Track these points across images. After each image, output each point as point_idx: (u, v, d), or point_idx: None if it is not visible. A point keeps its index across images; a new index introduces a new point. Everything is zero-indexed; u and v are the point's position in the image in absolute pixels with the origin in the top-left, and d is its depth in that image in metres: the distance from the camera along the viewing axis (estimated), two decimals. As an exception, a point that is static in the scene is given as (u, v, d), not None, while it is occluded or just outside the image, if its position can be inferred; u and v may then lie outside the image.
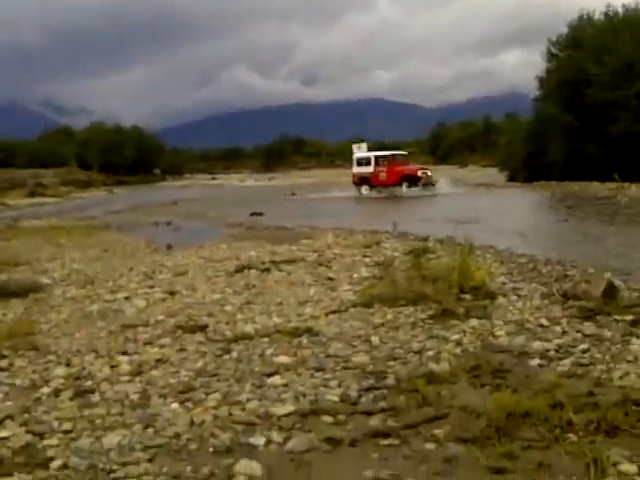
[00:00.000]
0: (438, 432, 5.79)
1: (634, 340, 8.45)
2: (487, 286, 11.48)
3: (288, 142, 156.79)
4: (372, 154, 53.05)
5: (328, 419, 6.22)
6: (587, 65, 52.35)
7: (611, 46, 50.92)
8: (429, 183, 49.63)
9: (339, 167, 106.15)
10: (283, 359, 8.08)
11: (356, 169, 52.96)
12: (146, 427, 6.19)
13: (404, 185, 49.41)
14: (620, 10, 57.39)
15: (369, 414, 6.27)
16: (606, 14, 58.41)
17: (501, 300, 10.95)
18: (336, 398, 6.74)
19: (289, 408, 6.44)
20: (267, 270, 14.97)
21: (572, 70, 54.97)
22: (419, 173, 50.37)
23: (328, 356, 8.19)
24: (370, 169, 51.59)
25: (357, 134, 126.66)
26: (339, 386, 7.09)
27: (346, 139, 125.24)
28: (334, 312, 10.54)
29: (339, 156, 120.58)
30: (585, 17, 60.24)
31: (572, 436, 5.53)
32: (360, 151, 54.04)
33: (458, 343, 8.52)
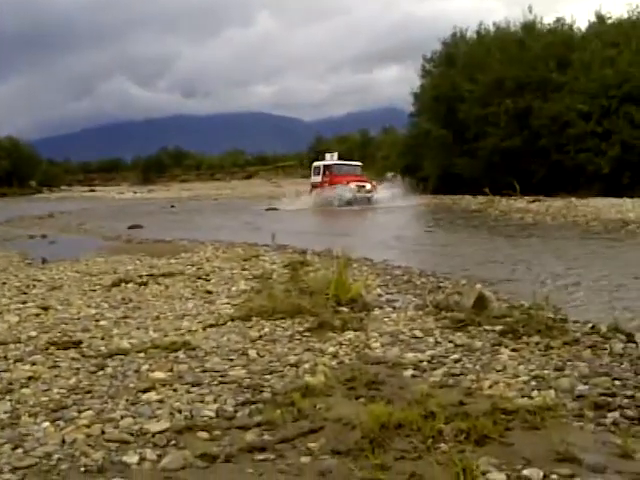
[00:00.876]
0: (313, 445, 5.82)
1: (503, 350, 8.73)
2: (363, 298, 11.64)
3: (168, 154, 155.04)
4: (322, 163, 54.55)
5: (204, 435, 6.17)
6: (460, 82, 53.78)
7: (483, 63, 52.45)
8: (365, 197, 49.15)
9: (220, 180, 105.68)
10: (159, 374, 7.97)
11: (312, 178, 54.76)
12: (15, 447, 6.00)
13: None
14: (491, 28, 59.21)
15: (245, 429, 6.26)
16: (478, 32, 60.13)
17: (377, 312, 11.13)
18: (212, 413, 6.69)
19: (164, 424, 6.36)
20: (145, 284, 14.78)
21: (446, 86, 56.41)
22: (352, 185, 49.64)
23: (205, 371, 8.13)
24: (319, 178, 53.08)
25: (237, 147, 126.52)
26: (215, 401, 7.05)
27: (226, 152, 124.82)
28: (212, 326, 10.49)
29: (219, 169, 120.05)
30: (458, 35, 61.88)
31: (443, 446, 5.66)
32: (332, 160, 54.58)
33: (334, 355, 8.61)
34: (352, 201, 47.66)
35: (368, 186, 49.96)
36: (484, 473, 5.17)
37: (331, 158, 54.55)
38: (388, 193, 49.78)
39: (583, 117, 42.86)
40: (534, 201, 39.73)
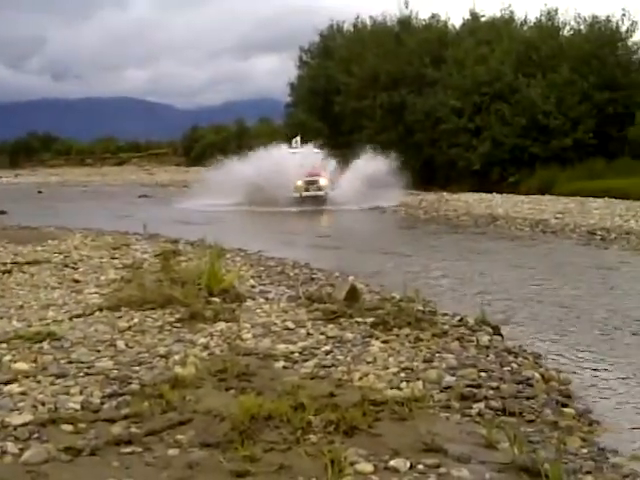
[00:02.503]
0: (182, 437, 5.73)
1: (374, 342, 8.82)
2: (236, 289, 11.56)
3: (37, 138, 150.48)
4: (291, 150, 41.55)
5: (68, 428, 5.98)
6: (336, 74, 54.11)
7: (359, 57, 52.91)
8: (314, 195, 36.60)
9: (90, 166, 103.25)
10: (22, 366, 7.69)
11: None
12: None
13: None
14: (368, 22, 59.70)
15: (112, 421, 6.10)
16: (355, 25, 60.57)
17: (249, 303, 11.08)
18: (77, 406, 6.50)
19: (26, 417, 6.14)
20: (8, 272, 14.26)
21: (322, 78, 56.63)
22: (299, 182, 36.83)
23: (70, 362, 7.90)
24: None
25: (109, 133, 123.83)
26: (81, 393, 6.85)
27: (97, 138, 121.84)
28: (79, 316, 10.20)
29: (90, 155, 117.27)
30: (335, 27, 62.17)
31: (312, 437, 5.66)
32: (295, 145, 42.36)
33: (205, 347, 8.52)
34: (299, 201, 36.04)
35: (322, 181, 36.74)
36: (352, 464, 5.20)
37: (295, 143, 42.39)
38: (356, 186, 36.47)
39: (456, 113, 43.86)
40: (407, 195, 40.39)
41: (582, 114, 39.50)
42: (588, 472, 5.65)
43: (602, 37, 41.80)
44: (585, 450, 6.20)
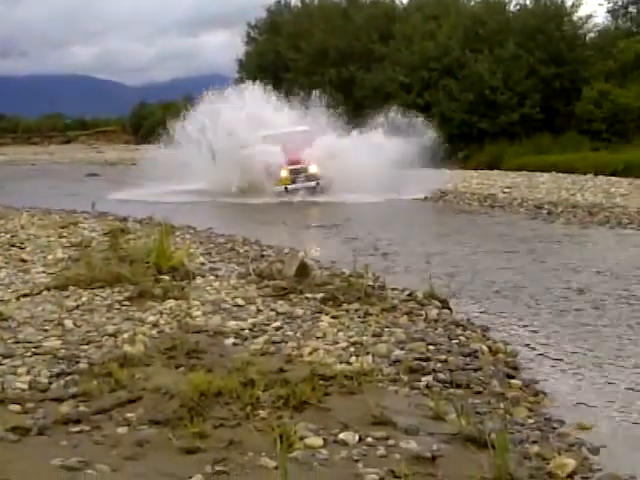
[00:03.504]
0: (131, 416, 5.71)
1: (323, 317, 8.86)
2: (185, 267, 11.50)
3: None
4: (264, 133, 29.92)
5: (15, 407, 5.93)
6: (284, 50, 53.86)
7: (307, 33, 52.70)
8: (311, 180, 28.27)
9: (37, 145, 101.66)
10: (-32, 346, 7.60)
11: None
12: None
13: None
14: (315, -3, 59.35)
15: (60, 400, 6.07)
16: (302, 1, 60.25)
17: (199, 280, 11.04)
18: (25, 385, 6.45)
19: (-27, 398, 6.07)
20: (-47, 252, 14.02)
21: (270, 54, 56.31)
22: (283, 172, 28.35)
23: (18, 342, 7.82)
24: None
25: (56, 110, 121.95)
26: (28, 373, 6.80)
27: (44, 115, 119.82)
28: (26, 295, 10.09)
29: (37, 133, 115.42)
30: (283, 2, 61.81)
31: (262, 412, 5.68)
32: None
33: (154, 325, 8.49)
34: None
35: (312, 168, 28.11)
36: (302, 438, 5.23)
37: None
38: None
39: (405, 89, 43.94)
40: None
41: (529, 89, 39.78)
42: (534, 442, 5.77)
43: (548, 12, 42.03)
44: (532, 420, 6.33)
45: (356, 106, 47.34)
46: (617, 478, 5.32)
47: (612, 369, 7.99)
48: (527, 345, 8.82)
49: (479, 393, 6.72)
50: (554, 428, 6.21)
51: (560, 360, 8.31)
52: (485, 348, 8.11)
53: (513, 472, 4.78)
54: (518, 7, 45.15)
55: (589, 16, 42.80)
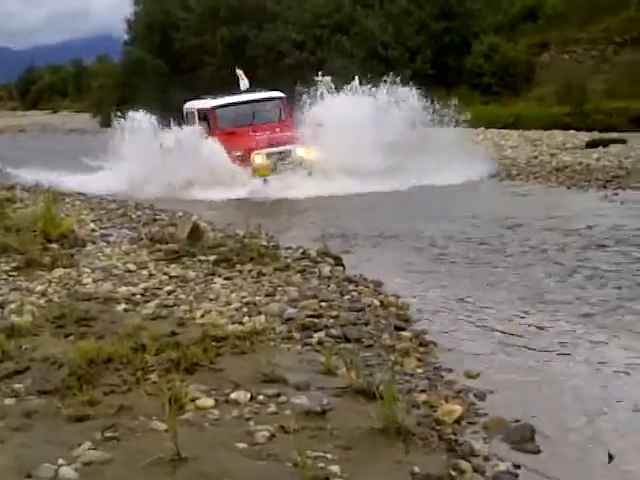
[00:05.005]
0: (18, 387, 5.61)
1: (216, 279, 8.85)
2: (75, 234, 11.31)
3: None
4: (200, 104, 22.82)
5: None
6: (173, 9, 52.93)
7: (197, -8, 51.96)
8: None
9: None
10: None
11: None
12: None
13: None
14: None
15: (-57, 377, 5.90)
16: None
17: (90, 247, 10.88)
18: None
19: None
20: None
21: (159, 14, 55.27)
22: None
23: None
24: None
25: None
26: None
27: None
28: None
29: None
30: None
31: (153, 377, 5.65)
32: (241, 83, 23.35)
33: (43, 294, 8.32)
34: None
35: (298, 150, 20.22)
36: (193, 400, 5.23)
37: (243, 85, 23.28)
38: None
39: (297, 47, 43.83)
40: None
41: (420, 44, 40.13)
42: (423, 390, 5.94)
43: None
44: (421, 370, 6.49)
45: (250, 65, 47.03)
46: (502, 421, 5.52)
47: (500, 318, 8.21)
48: (418, 297, 8.98)
49: (370, 346, 6.83)
50: (442, 377, 6.40)
51: (449, 311, 8.51)
52: (377, 302, 8.25)
53: (401, 421, 4.87)
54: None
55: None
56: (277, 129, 20.74)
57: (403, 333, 7.37)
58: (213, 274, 9.11)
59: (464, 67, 38.73)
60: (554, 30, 35.58)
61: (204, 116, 21.41)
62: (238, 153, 19.55)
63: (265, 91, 22.71)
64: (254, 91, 22.39)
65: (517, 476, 4.79)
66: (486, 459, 4.93)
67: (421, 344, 7.18)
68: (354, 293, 8.56)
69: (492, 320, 8.16)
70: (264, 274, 9.08)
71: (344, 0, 42.80)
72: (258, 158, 19.52)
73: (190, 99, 23.62)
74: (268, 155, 19.60)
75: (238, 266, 9.43)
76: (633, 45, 31.47)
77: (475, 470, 4.69)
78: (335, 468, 4.35)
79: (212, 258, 9.78)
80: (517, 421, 5.53)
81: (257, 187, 18.72)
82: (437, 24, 40.27)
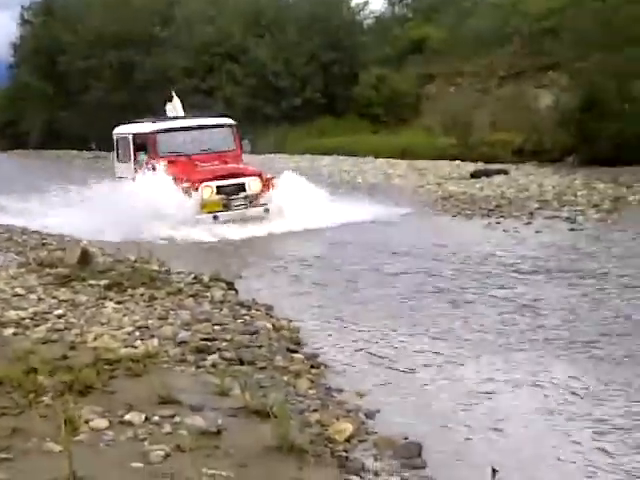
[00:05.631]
0: None
1: (108, 303, 8.82)
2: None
3: None
4: (136, 129, 19.76)
5: None
6: (60, 33, 52.27)
7: (84, 16, 51.43)
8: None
9: None
10: None
11: (117, 166, 20.35)
12: None
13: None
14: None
15: None
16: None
17: (-23, 274, 10.65)
18: None
19: None
20: None
21: (46, 38, 54.51)
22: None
23: None
24: (128, 169, 19.24)
25: None
26: None
27: None
28: None
29: None
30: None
31: (46, 399, 5.62)
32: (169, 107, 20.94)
33: None
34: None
35: (253, 184, 17.56)
36: (87, 421, 5.24)
37: (172, 110, 20.75)
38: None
39: (187, 73, 43.77)
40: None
41: (310, 74, 40.69)
42: (315, 410, 6.06)
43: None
44: (312, 391, 6.62)
45: (139, 90, 46.76)
46: (390, 439, 5.69)
47: (386, 341, 8.44)
48: (309, 321, 9.14)
49: (263, 368, 6.93)
50: (333, 397, 6.55)
51: (339, 333, 8.70)
52: (269, 325, 8.37)
53: (294, 439, 5.00)
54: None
55: (366, 2, 44.33)
56: (227, 159, 18.26)
57: (295, 355, 7.50)
58: (104, 298, 9.07)
59: (353, 97, 39.45)
60: (440, 63, 36.64)
61: (142, 142, 18.46)
62: (183, 185, 16.68)
63: (213, 117, 20.54)
64: (200, 116, 20.20)
65: (405, 490, 4.98)
66: (376, 474, 5.09)
67: (312, 366, 7.32)
68: (247, 317, 8.67)
69: (379, 343, 8.37)
70: (156, 298, 9.09)
71: (234, 29, 43.05)
72: (207, 191, 16.81)
73: (121, 123, 20.89)
74: (218, 188, 16.99)
75: (129, 290, 9.42)
76: (515, 80, 32.69)
77: (365, 485, 4.86)
78: (231, 485, 4.44)
79: (103, 282, 9.73)
80: (405, 438, 5.72)
81: (206, 225, 16.24)
82: (326, 55, 40.94)
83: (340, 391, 6.72)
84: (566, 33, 27.09)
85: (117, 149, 19.79)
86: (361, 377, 7.26)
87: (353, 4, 44.25)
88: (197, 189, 16.62)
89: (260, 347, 7.52)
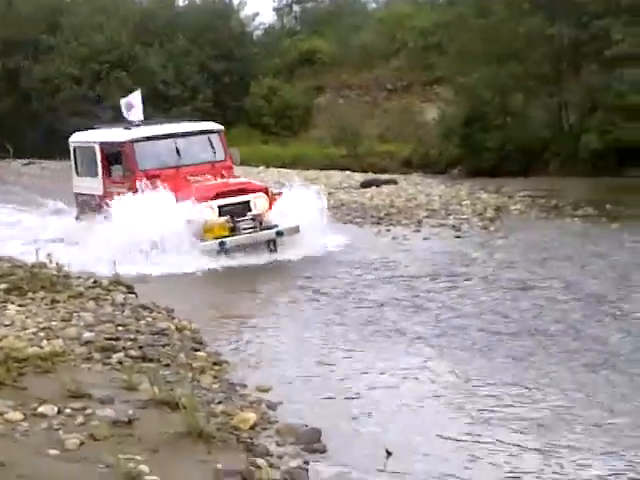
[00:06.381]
0: None
1: (10, 306, 8.93)
2: None
3: None
4: (102, 136, 16.46)
5: None
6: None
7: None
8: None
9: None
10: None
11: (76, 181, 17.05)
12: None
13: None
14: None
15: None
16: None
17: None
18: None
19: None
20: None
21: None
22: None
23: None
24: (96, 184, 15.84)
25: None
26: None
27: None
28: None
29: None
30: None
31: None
32: (132, 110, 16.67)
33: None
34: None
35: (259, 201, 14.34)
36: (1, 414, 5.43)
37: (127, 111, 16.81)
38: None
39: (75, 81, 43.22)
40: (28, 163, 39.62)
41: (200, 83, 40.80)
42: (219, 402, 6.42)
43: (215, 9, 43.38)
44: (216, 385, 6.99)
45: (24, 98, 45.94)
46: (292, 427, 6.10)
47: (285, 336, 8.92)
48: (207, 322, 9.50)
49: (168, 365, 7.25)
50: (236, 390, 6.94)
51: (240, 332, 9.10)
52: (172, 326, 8.68)
53: (203, 427, 5.34)
54: (187, 3, 46.12)
55: (256, 14, 44.67)
56: (222, 172, 15.20)
57: (198, 353, 7.84)
58: (5, 302, 9.15)
59: (244, 107, 39.75)
60: (329, 75, 37.34)
61: (114, 153, 15.32)
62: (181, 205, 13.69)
63: (194, 121, 17.41)
64: (179, 121, 17.13)
65: (307, 470, 5.36)
66: (280, 457, 5.49)
67: (215, 363, 7.68)
68: (149, 318, 8.95)
69: (277, 338, 8.88)
70: (58, 301, 9.23)
71: (123, 37, 42.80)
72: (209, 213, 13.79)
73: (79, 130, 17.68)
74: (221, 208, 13.83)
75: (30, 294, 9.50)
76: (402, 93, 33.66)
77: (270, 466, 5.23)
78: (145, 467, 4.72)
79: (2, 287, 9.78)
80: (306, 426, 6.13)
81: (212, 254, 13.28)
82: (217, 65, 41.12)
83: (243, 386, 7.12)
84: (451, 48, 28.04)
85: (76, 161, 16.65)
86: (262, 372, 7.71)
87: (243, 15, 44.60)
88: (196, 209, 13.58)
89: (164, 346, 7.82)
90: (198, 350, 7.99)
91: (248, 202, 13.98)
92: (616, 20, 22.52)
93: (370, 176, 25.28)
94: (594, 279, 11.04)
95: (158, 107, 40.73)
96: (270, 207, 14.09)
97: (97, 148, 15.52)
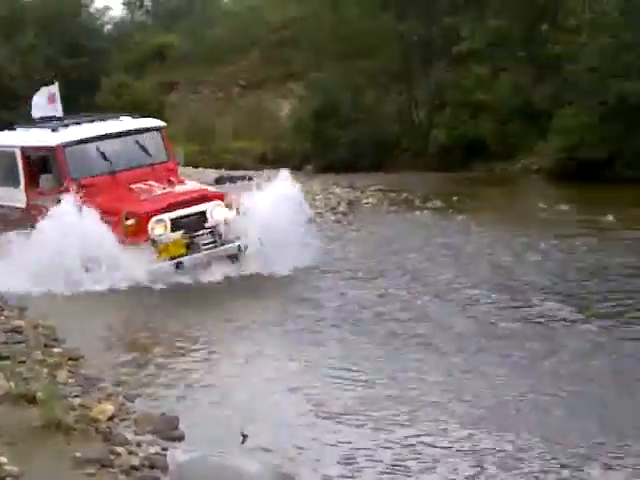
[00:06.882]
0: None
1: None
2: None
3: None
4: (19, 138, 13.76)
5: None
6: None
7: None
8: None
9: None
10: None
11: None
12: None
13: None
14: None
15: None
16: None
17: None
18: None
19: None
20: None
21: None
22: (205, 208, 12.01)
23: None
24: (18, 195, 13.14)
25: None
26: None
27: None
28: None
29: None
30: None
31: None
32: (53, 105, 14.89)
33: None
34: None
35: (217, 211, 12.02)
36: None
37: (48, 104, 14.90)
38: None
39: None
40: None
41: (47, 77, 39.78)
42: (76, 396, 6.51)
43: (63, 3, 42.38)
44: (73, 380, 7.07)
45: None
46: (149, 416, 6.27)
47: (144, 331, 9.06)
48: (64, 319, 9.46)
49: (23, 362, 7.25)
50: (94, 384, 7.03)
51: (95, 330, 9.26)
52: (25, 324, 8.67)
53: (61, 419, 5.44)
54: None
55: (107, 8, 43.94)
56: (166, 175, 12.88)
57: (54, 350, 7.87)
58: None
59: (94, 103, 39.03)
60: (182, 71, 37.08)
61: (39, 159, 12.99)
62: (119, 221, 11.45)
63: (126, 116, 14.08)
64: (109, 117, 13.94)
65: (165, 456, 5.54)
66: (138, 445, 5.63)
67: (71, 358, 7.72)
68: (2, 317, 8.89)
69: (135, 335, 8.99)
70: None
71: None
72: (159, 228, 11.54)
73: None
74: (174, 222, 11.63)
75: None
76: (257, 89, 33.82)
77: (130, 453, 5.38)
78: (3, 459, 4.81)
79: None
80: (163, 414, 6.30)
81: (168, 275, 11.27)
82: (66, 60, 40.18)
83: (101, 380, 7.20)
84: (303, 43, 28.42)
85: None
86: (117, 367, 7.84)
87: (93, 9, 43.79)
88: (146, 226, 11.41)
89: (18, 343, 7.82)
90: (53, 347, 8.02)
91: (204, 212, 11.87)
92: (465, 17, 23.52)
93: (224, 172, 25.37)
94: (441, 267, 11.62)
95: (4, 104, 39.63)
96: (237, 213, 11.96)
97: (18, 153, 13.10)
